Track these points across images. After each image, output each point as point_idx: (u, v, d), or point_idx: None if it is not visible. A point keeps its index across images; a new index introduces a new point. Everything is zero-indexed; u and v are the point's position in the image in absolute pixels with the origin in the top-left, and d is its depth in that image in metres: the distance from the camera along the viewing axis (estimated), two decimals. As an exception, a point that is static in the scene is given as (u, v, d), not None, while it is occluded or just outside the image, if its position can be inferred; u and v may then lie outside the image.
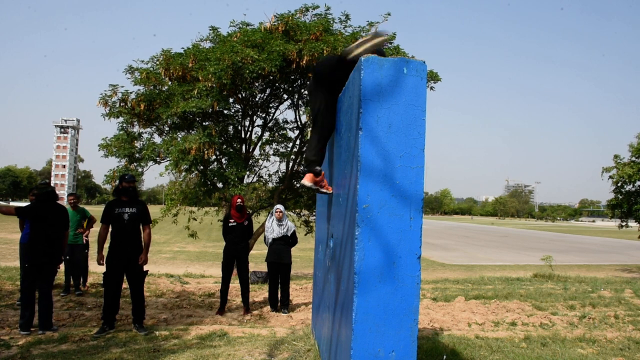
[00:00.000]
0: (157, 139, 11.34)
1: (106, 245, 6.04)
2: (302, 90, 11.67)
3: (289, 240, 7.72)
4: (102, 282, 7.57)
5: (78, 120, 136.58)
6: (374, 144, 3.57)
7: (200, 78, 9.72)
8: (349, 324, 3.51)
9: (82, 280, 8.60)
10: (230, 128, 11.75)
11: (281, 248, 7.62)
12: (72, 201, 8.55)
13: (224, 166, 11.18)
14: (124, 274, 6.04)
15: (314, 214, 11.78)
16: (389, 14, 10.93)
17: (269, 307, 7.69)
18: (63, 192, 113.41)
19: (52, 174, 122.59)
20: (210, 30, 10.99)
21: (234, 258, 7.37)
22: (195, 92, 9.67)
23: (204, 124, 10.77)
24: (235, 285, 7.60)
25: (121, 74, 11.74)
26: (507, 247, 34.52)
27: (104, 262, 5.97)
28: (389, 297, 3.50)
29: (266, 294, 8.07)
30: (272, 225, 7.71)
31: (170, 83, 10.67)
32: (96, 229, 8.49)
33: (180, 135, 10.66)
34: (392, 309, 3.50)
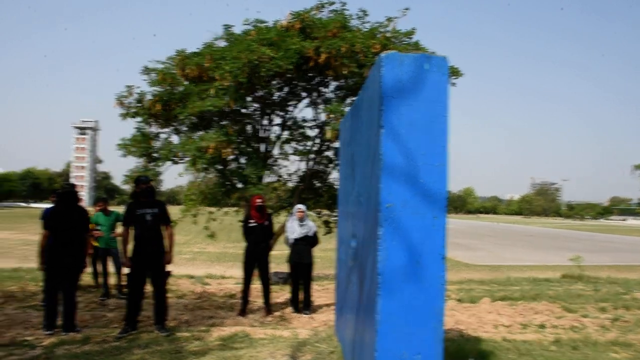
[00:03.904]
0: (175, 139, 11.36)
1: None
2: (320, 88, 11.57)
3: (311, 241, 7.64)
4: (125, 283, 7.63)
5: (97, 122, 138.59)
6: (396, 142, 3.47)
7: (216, 77, 9.70)
8: (373, 325, 3.42)
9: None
10: (249, 127, 11.72)
11: (303, 248, 7.54)
12: (100, 207, 8.61)
13: (243, 166, 11.15)
14: (147, 275, 6.05)
15: (334, 213, 11.68)
16: (407, 9, 10.75)
17: (290, 308, 7.63)
18: (84, 193, 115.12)
19: (72, 175, 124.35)
20: (224, 29, 10.97)
21: (255, 259, 7.32)
22: (213, 91, 9.65)
23: (221, 123, 10.76)
24: (256, 286, 7.57)
25: (139, 74, 12.05)
26: (533, 247, 33.97)
27: (130, 264, 6.01)
28: (413, 298, 3.41)
29: (287, 295, 8.02)
30: (293, 225, 7.63)
31: (186, 83, 10.67)
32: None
33: (197, 135, 10.66)
34: (416, 310, 3.41)
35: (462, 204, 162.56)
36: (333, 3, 10.76)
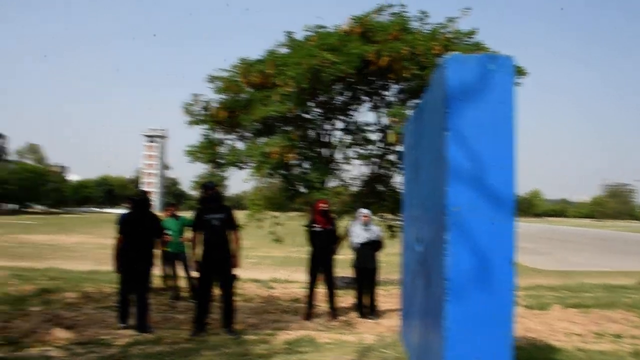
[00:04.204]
0: (240, 145, 11.63)
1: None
2: (382, 92, 11.53)
3: (375, 245, 7.62)
4: (194, 286, 7.87)
5: (165, 130, 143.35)
6: (462, 144, 3.43)
7: (279, 83, 9.85)
8: (441, 331, 3.37)
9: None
10: (311, 132, 11.82)
11: (367, 253, 7.54)
12: (170, 212, 8.95)
13: (307, 170, 11.27)
14: (215, 278, 6.22)
15: (398, 217, 11.57)
16: (469, 9, 10.55)
17: (355, 312, 7.62)
18: (153, 199, 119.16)
19: (142, 181, 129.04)
20: (285, 35, 11.16)
21: (320, 263, 7.37)
22: (276, 97, 9.81)
23: (284, 128, 10.92)
24: (321, 290, 7.63)
25: (205, 82, 12.65)
26: (606, 252, 32.34)
27: (199, 268, 6.21)
28: (482, 304, 3.35)
29: (352, 300, 8.02)
30: (357, 230, 7.64)
31: (250, 90, 10.90)
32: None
33: (261, 141, 10.87)
34: (485, 316, 3.34)
35: (528, 206, 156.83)
36: (392, 6, 10.73)
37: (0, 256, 18.20)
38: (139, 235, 6.32)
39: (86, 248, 24.42)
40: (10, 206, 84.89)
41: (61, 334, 5.84)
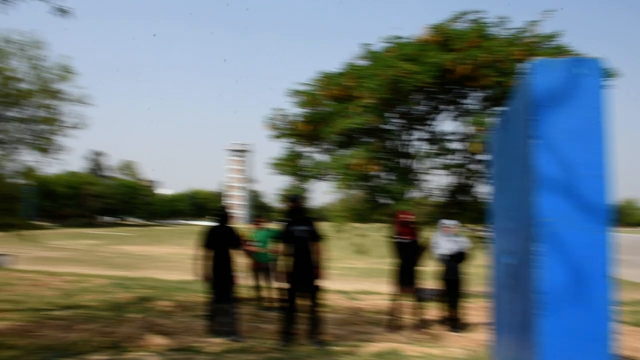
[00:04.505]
0: (321, 158, 11.80)
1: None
2: (462, 100, 11.32)
3: (460, 257, 7.49)
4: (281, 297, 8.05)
5: (249, 144, 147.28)
6: (550, 152, 3.34)
7: (359, 95, 9.94)
8: (534, 347, 3.27)
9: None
10: (392, 143, 11.80)
11: (452, 264, 7.43)
12: (258, 224, 9.28)
13: (389, 181, 11.24)
14: (301, 289, 6.34)
15: (482, 228, 11.26)
16: (551, 11, 10.14)
17: (441, 325, 7.50)
18: (239, 212, 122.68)
19: (228, 194, 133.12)
20: (363, 47, 11.24)
21: (404, 275, 7.33)
22: (356, 109, 9.90)
23: (365, 140, 10.97)
24: (406, 302, 7.57)
25: (286, 97, 13.26)
26: None
27: (285, 279, 6.37)
28: (577, 319, 3.23)
29: (437, 312, 7.89)
30: (442, 241, 7.54)
31: (330, 103, 11.06)
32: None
33: (341, 152, 10.99)
34: (581, 332, 3.22)
35: (622, 216, 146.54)
36: (468, 13, 10.55)
37: (101, 265, 19.50)
38: (221, 247, 6.67)
39: (177, 258, 25.58)
40: (109, 219, 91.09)
41: (157, 340, 6.18)
